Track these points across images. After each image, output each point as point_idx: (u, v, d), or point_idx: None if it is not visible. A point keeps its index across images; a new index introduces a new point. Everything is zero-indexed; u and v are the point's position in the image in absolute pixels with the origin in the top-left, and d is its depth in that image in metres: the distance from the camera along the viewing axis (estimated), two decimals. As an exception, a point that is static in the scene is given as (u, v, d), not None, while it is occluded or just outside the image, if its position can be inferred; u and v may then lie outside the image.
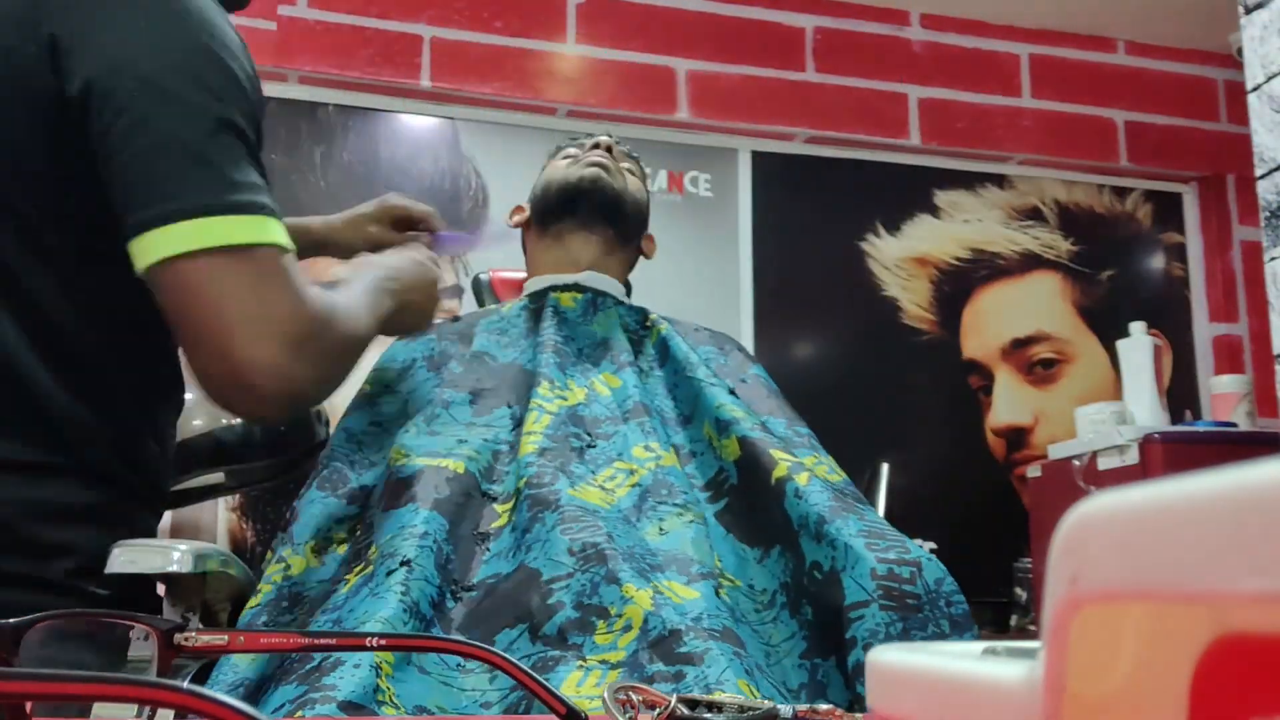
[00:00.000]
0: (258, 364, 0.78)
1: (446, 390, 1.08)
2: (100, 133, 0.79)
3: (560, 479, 0.92)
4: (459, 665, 0.77)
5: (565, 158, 1.31)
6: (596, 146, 1.28)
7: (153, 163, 0.77)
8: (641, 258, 1.35)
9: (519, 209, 1.34)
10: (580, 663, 0.75)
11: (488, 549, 0.91)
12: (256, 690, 0.76)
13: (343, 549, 0.93)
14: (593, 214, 1.23)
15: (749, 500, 0.97)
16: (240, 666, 0.78)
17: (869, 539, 0.84)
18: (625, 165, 1.30)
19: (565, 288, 1.20)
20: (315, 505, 0.97)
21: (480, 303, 1.63)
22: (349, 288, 0.96)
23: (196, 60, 0.79)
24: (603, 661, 0.75)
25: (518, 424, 1.04)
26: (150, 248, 0.78)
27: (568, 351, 1.12)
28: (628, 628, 0.77)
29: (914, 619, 0.79)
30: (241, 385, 0.80)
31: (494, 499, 0.96)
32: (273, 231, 0.82)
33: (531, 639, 0.78)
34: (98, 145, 0.80)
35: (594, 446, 1.00)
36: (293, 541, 0.93)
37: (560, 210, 1.24)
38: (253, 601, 0.88)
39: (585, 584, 0.81)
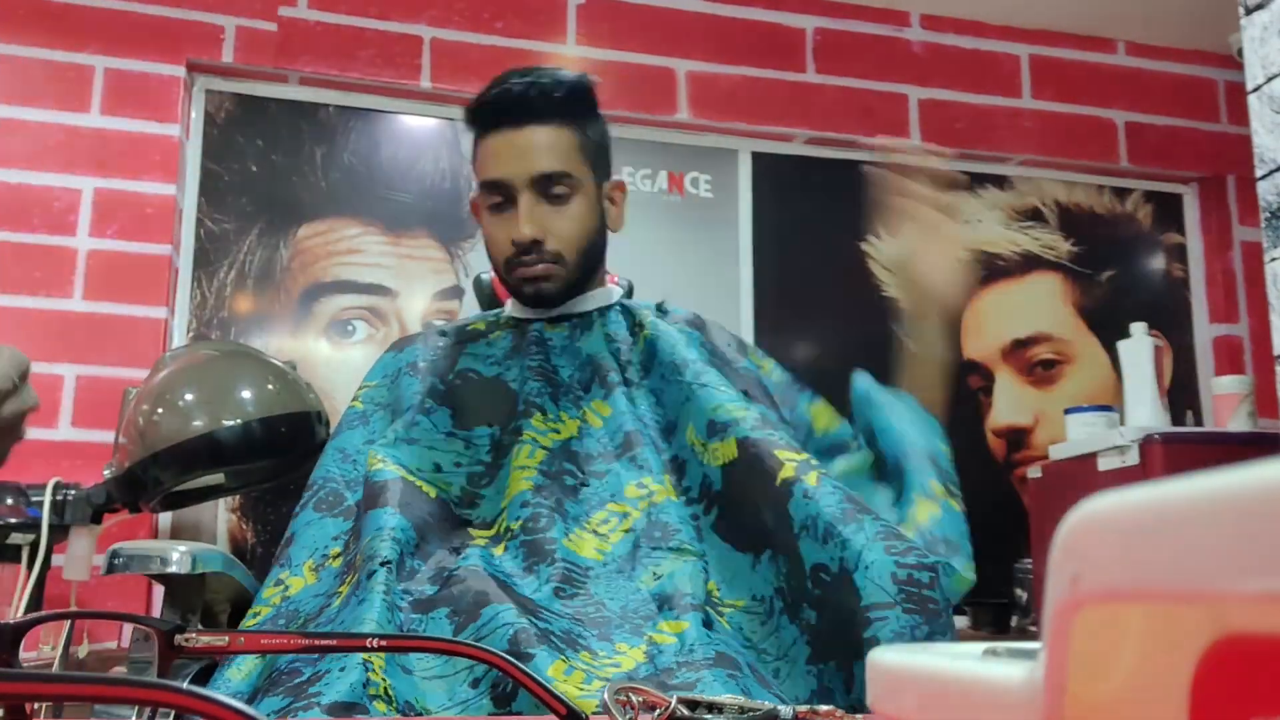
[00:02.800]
0: None
1: (428, 400, 1.06)
2: None
3: (556, 524, 0.91)
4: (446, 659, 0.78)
5: (492, 208, 1.10)
6: (519, 246, 1.07)
7: None
8: (615, 234, 1.24)
9: (476, 203, 1.16)
10: (563, 659, 0.76)
11: (464, 554, 0.91)
12: (248, 703, 0.76)
13: (337, 563, 0.93)
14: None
15: (738, 505, 0.96)
16: (233, 682, 0.79)
17: (888, 540, 0.83)
18: (558, 226, 1.08)
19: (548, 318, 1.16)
20: (313, 528, 0.96)
21: (481, 304, 1.63)
22: None
23: None
24: (588, 665, 0.76)
25: (495, 445, 1.03)
26: None
27: (558, 380, 1.09)
28: (616, 665, 0.78)
29: (937, 624, 0.78)
30: None
31: (469, 523, 0.96)
32: None
33: (518, 614, 0.79)
34: None
35: (587, 485, 0.99)
36: (290, 565, 0.93)
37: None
38: (249, 624, 0.88)
39: (576, 631, 0.82)
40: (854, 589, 0.80)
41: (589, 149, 1.12)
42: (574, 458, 1.00)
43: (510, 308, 1.19)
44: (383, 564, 0.82)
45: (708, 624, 0.83)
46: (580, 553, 0.90)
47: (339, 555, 0.94)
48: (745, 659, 0.82)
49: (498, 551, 0.91)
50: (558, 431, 1.02)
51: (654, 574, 0.90)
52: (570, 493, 0.96)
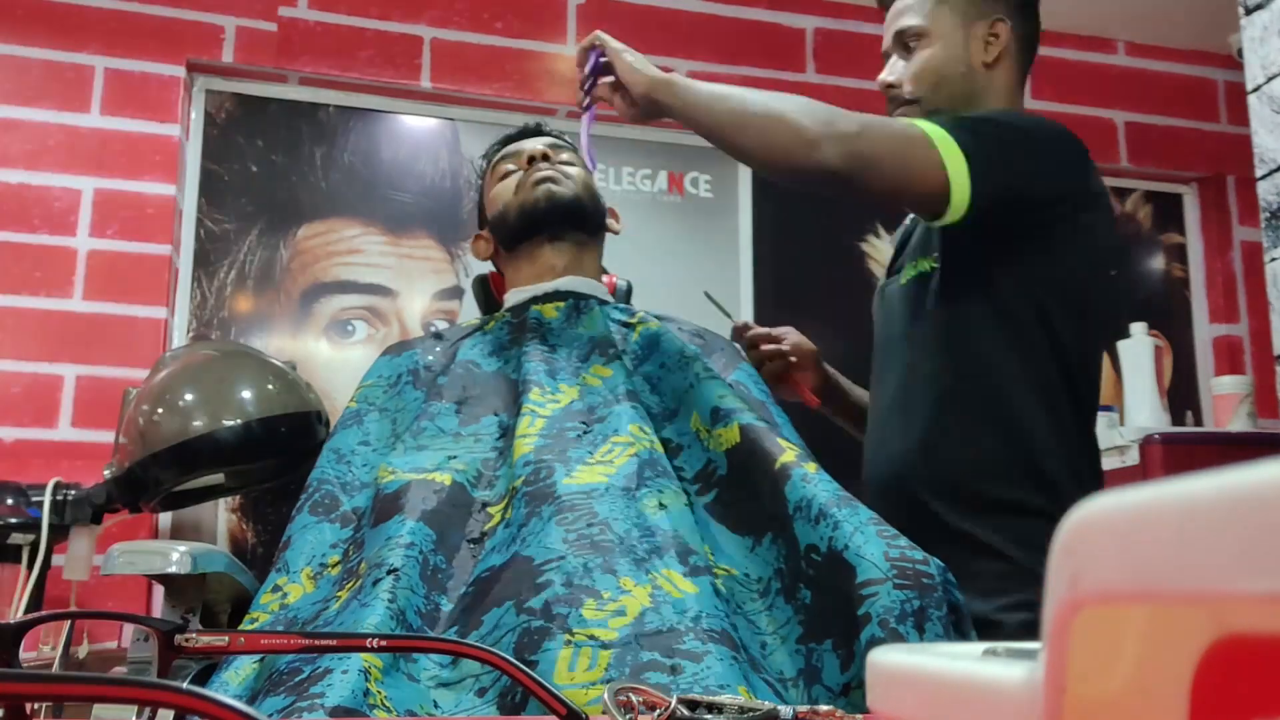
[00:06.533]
0: None
1: (432, 402, 1.07)
2: None
3: (557, 469, 0.91)
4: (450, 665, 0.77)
5: (504, 176, 1.29)
6: (533, 160, 1.25)
7: None
8: (615, 236, 1.33)
9: (480, 238, 1.34)
10: (567, 636, 0.75)
11: (483, 548, 0.91)
12: (247, 704, 0.76)
13: (336, 571, 0.93)
14: (558, 227, 1.22)
15: (740, 490, 0.97)
16: (230, 685, 0.79)
17: (879, 526, 0.84)
18: (564, 158, 1.28)
19: (546, 297, 1.19)
20: (309, 532, 0.96)
21: (480, 304, 1.62)
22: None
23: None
24: (592, 638, 0.75)
25: (505, 432, 1.03)
26: None
27: (555, 359, 1.11)
28: (621, 613, 0.77)
29: (931, 597, 0.78)
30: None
31: (486, 504, 0.96)
32: None
33: (516, 612, 0.78)
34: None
35: (590, 431, 1.00)
36: (288, 570, 0.93)
37: (526, 233, 1.23)
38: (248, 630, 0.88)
39: (577, 566, 0.81)
40: (846, 566, 0.80)
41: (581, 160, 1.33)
42: (576, 415, 1.02)
43: (509, 298, 1.23)
44: (389, 572, 0.82)
45: (716, 593, 0.83)
46: (582, 481, 0.90)
47: (338, 563, 0.94)
48: (744, 632, 0.82)
49: (508, 514, 0.91)
50: (557, 401, 1.04)
51: (659, 502, 0.90)
52: (574, 442, 0.97)
